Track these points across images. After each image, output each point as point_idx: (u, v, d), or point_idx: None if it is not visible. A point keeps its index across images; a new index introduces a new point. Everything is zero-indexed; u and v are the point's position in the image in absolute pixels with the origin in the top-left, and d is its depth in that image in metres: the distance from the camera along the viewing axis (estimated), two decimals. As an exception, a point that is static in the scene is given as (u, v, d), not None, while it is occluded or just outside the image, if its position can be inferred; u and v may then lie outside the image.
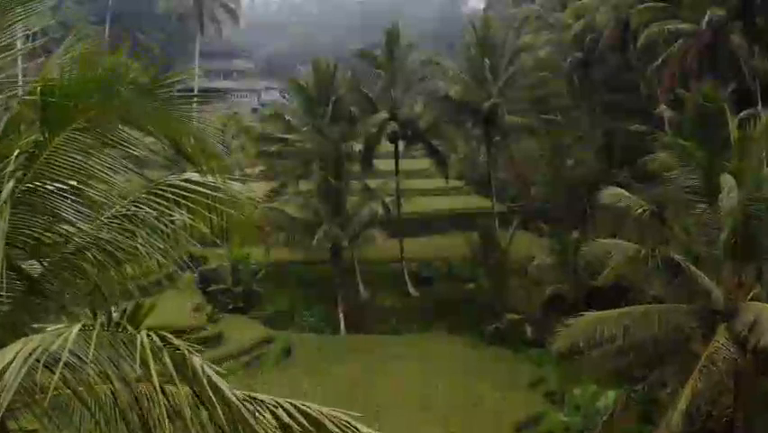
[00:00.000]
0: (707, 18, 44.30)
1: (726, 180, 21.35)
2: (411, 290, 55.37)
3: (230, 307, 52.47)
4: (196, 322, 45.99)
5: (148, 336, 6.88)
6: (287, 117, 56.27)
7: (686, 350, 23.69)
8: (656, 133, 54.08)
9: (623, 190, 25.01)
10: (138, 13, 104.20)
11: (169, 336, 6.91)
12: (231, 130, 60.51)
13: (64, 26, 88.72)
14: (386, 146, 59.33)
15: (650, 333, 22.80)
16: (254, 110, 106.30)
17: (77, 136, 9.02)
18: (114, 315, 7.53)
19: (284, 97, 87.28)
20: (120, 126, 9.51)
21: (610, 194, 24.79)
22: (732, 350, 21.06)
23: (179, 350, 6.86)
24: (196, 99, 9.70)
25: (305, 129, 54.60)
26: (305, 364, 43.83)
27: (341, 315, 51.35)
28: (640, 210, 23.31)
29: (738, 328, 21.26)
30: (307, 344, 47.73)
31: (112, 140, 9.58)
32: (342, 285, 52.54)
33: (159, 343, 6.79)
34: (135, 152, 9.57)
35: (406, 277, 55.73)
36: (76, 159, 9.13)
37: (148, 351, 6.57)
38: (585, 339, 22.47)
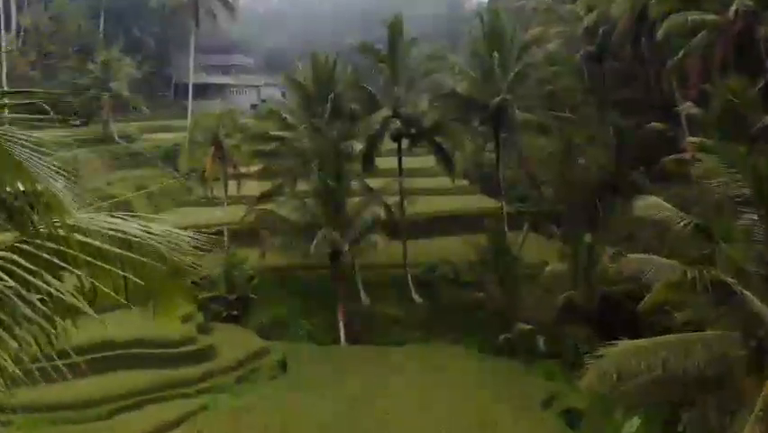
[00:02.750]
0: (734, 8, 41.11)
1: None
2: (415, 296, 52.45)
3: (223, 315, 49.89)
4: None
5: None
6: (283, 115, 53.23)
7: (730, 381, 20.78)
8: (674, 130, 51.72)
9: (660, 200, 21.89)
10: (133, 8, 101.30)
11: None
12: (225, 127, 57.41)
13: (57, 21, 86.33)
14: (386, 143, 56.22)
15: (690, 363, 19.84)
16: (253, 106, 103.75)
17: None
18: None
19: (283, 95, 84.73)
20: None
21: (647, 205, 21.65)
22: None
23: None
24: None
25: (302, 127, 51.74)
26: (301, 379, 40.99)
27: (340, 324, 48.59)
28: (682, 223, 20.23)
29: (796, 361, 18.37)
30: (305, 356, 44.94)
31: None
32: (342, 292, 49.65)
33: None
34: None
35: (410, 283, 52.82)
36: None
37: None
38: (618, 371, 19.50)
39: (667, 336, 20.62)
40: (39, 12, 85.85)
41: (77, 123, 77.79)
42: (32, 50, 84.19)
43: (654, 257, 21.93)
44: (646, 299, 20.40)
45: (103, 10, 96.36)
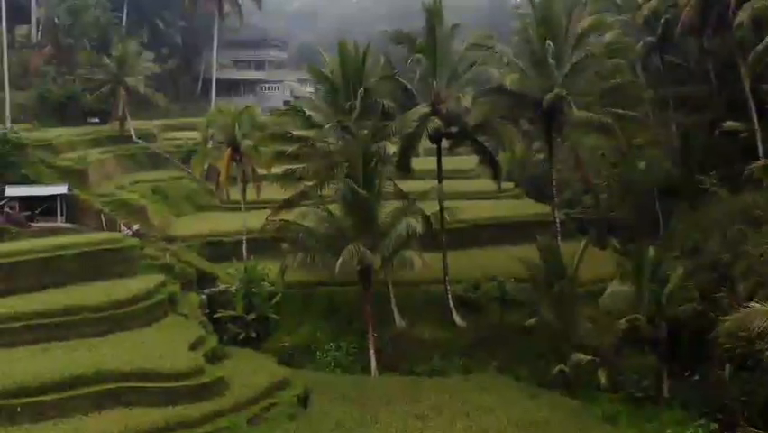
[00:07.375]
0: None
1: None
2: (456, 318, 47.93)
3: (240, 337, 45.79)
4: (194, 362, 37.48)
5: None
6: (307, 113, 47.68)
7: None
8: (749, 131, 46.23)
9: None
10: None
11: None
12: (242, 126, 52.31)
13: (73, 13, 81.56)
14: (424, 143, 51.07)
15: None
16: (286, 103, 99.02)
17: None
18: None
19: (317, 89, 79.88)
20: None
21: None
22: None
23: None
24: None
25: (328, 126, 46.49)
26: (324, 420, 35.07)
27: (371, 350, 43.46)
28: None
29: None
30: (330, 389, 39.29)
31: None
32: (374, 313, 44.53)
33: None
34: None
35: (451, 302, 48.27)
36: None
37: None
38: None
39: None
40: (55, 3, 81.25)
41: (96, 120, 73.44)
42: (48, 44, 79.83)
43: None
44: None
45: (126, 2, 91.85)
